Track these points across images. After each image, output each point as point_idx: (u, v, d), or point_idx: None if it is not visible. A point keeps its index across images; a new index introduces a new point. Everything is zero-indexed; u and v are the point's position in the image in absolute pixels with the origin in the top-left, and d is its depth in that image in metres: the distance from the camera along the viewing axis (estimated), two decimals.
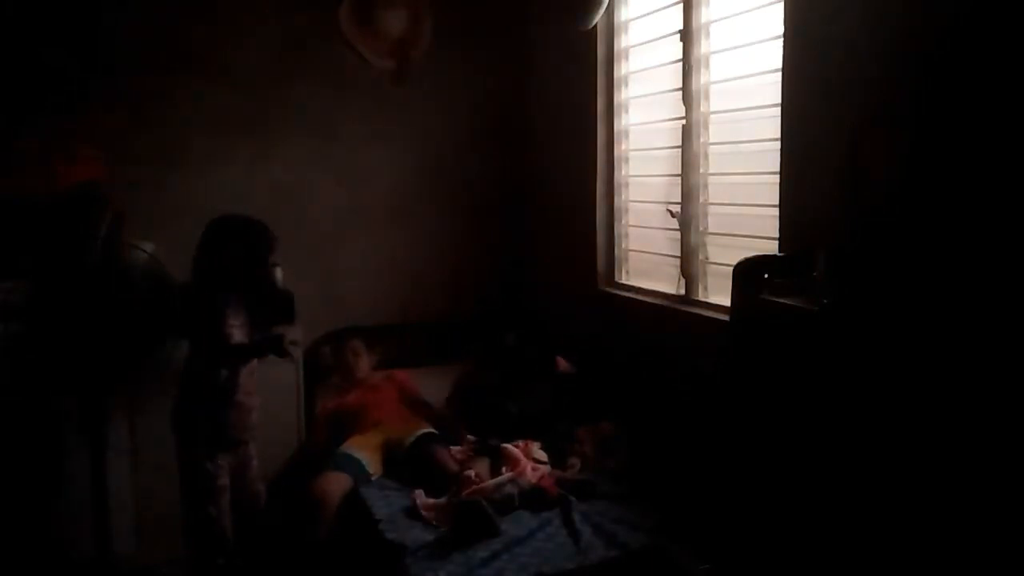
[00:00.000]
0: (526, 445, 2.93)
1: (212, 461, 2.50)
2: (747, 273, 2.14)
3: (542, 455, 2.91)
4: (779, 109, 2.36)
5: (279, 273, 3.38)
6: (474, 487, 2.58)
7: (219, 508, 2.52)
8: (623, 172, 3.35)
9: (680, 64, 2.84)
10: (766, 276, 2.10)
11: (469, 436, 3.05)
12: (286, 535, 2.88)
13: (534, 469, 2.78)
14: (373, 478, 2.92)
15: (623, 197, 3.36)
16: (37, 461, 2.78)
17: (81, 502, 2.80)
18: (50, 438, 2.78)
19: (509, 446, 2.88)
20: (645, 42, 3.14)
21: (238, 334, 2.55)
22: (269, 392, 2.81)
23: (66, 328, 2.69)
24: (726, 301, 2.37)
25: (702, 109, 2.79)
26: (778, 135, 2.37)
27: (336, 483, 2.83)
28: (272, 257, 2.62)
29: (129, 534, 2.94)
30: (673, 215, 2.91)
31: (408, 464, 2.93)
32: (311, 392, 3.42)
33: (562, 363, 3.39)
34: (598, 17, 3.07)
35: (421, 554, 2.32)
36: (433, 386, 3.47)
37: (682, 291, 2.95)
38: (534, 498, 2.59)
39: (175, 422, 2.54)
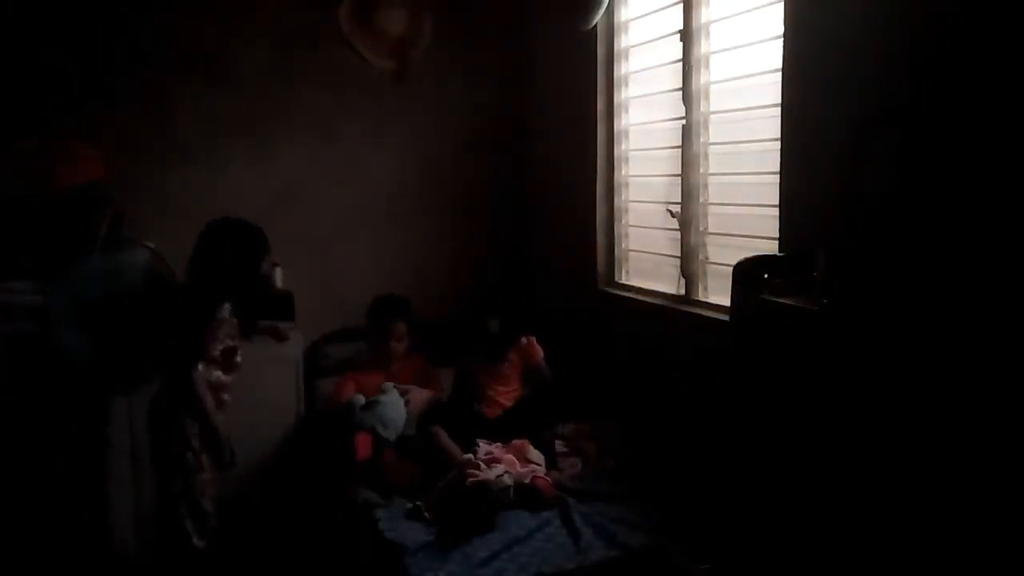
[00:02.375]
0: (522, 445, 2.92)
1: (193, 453, 2.49)
2: (747, 273, 2.14)
3: (537, 456, 2.90)
4: (779, 109, 2.36)
5: (279, 273, 3.39)
6: (474, 478, 2.58)
7: (208, 499, 2.53)
8: (623, 172, 3.35)
9: (680, 64, 2.83)
10: (766, 276, 2.09)
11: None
12: (286, 534, 2.88)
13: (524, 467, 2.78)
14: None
15: (623, 197, 3.36)
16: (37, 460, 2.78)
17: (81, 501, 2.80)
18: (50, 437, 2.78)
19: (492, 451, 2.86)
20: (645, 42, 3.13)
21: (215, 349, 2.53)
22: (269, 392, 2.81)
23: (67, 328, 2.68)
24: (726, 301, 2.36)
25: (702, 109, 2.79)
26: (778, 135, 2.37)
27: (369, 442, 2.91)
28: (267, 259, 2.62)
29: (128, 533, 2.95)
30: (673, 215, 2.90)
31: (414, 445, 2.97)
32: (311, 392, 3.42)
33: (536, 354, 3.30)
34: (598, 17, 3.07)
35: (421, 554, 2.32)
36: None
37: (682, 291, 2.94)
38: (530, 497, 2.59)
39: (154, 418, 2.52)
